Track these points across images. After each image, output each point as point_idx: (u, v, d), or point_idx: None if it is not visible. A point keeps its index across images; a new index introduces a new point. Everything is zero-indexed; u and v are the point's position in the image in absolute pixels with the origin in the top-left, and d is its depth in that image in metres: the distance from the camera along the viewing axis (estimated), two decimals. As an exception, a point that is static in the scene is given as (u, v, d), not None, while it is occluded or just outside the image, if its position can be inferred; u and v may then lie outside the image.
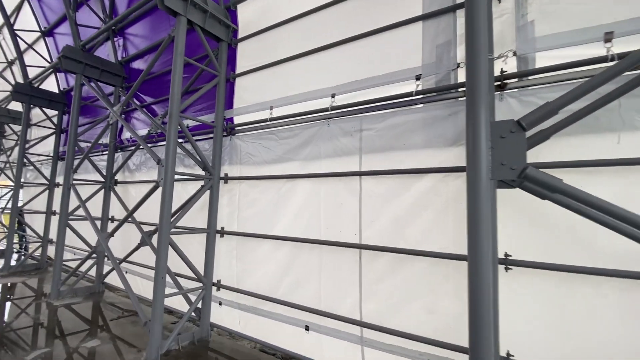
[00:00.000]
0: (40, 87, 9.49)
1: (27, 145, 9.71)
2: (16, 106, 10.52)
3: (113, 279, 7.25)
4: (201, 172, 5.31)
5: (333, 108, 4.15)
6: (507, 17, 3.15)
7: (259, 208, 4.87)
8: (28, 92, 8.96)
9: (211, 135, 5.42)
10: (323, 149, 4.23)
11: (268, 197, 4.76)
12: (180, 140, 5.81)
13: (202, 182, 5.34)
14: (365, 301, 3.79)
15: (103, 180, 7.38)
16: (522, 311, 2.91)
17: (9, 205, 9.90)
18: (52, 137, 9.65)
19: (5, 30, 9.85)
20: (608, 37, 2.72)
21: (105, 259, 7.37)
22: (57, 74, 9.54)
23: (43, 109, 9.37)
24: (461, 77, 3.34)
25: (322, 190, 4.21)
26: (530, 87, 3.02)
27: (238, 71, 5.31)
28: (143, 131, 6.93)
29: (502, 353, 2.89)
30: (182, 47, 4.56)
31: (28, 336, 5.16)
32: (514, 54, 3.06)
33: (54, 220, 9.06)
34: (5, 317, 6.06)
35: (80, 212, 6.80)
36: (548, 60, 2.97)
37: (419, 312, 3.44)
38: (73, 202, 6.89)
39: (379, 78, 3.86)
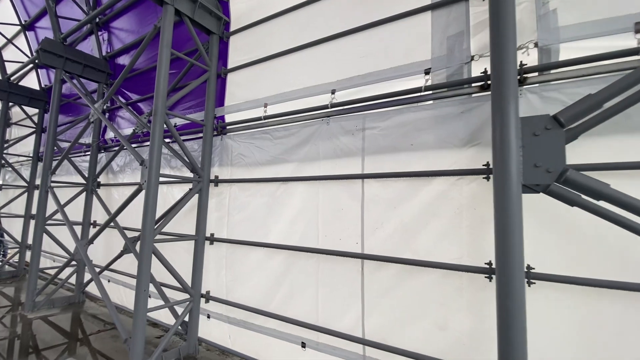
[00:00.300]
0: (20, 83, 8.98)
1: (5, 145, 9.18)
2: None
3: (95, 288, 6.77)
4: (189, 174, 4.93)
5: (333, 105, 3.82)
6: (527, 5, 2.87)
7: (250, 213, 4.51)
8: (6, 89, 8.46)
9: (200, 134, 5.06)
10: (322, 150, 3.90)
11: (261, 202, 4.40)
12: (167, 140, 5.44)
13: (190, 185, 4.96)
14: (368, 316, 3.45)
15: (85, 182, 6.92)
16: (547, 329, 2.61)
17: (-14, 209, 9.33)
18: (33, 137, 9.14)
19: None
20: (639, 28, 2.46)
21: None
22: (39, 70, 9.06)
23: (23, 107, 8.87)
24: (475, 70, 3.05)
25: (320, 194, 3.87)
26: (552, 82, 2.74)
27: (230, 66, 4.96)
28: (128, 131, 6.52)
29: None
30: (168, 38, 4.19)
31: (-4, 353, 4.70)
32: (535, 45, 2.77)
33: (33, 225, 8.53)
34: (-27, 331, 5.57)
35: (60, 216, 6.34)
36: (572, 52, 2.69)
37: (429, 329, 3.12)
38: (52, 206, 6.43)
39: (384, 72, 3.55)
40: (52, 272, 7.26)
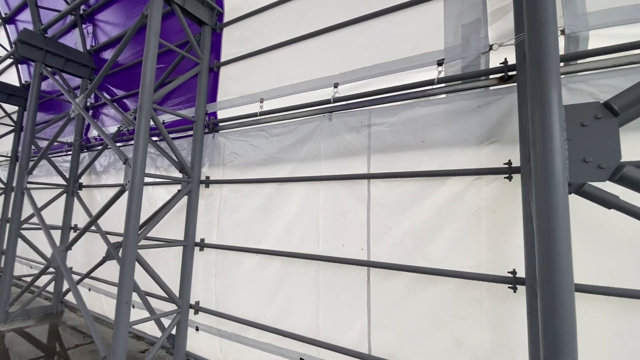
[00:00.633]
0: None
1: (-19, 145, 8.65)
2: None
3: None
4: (178, 175, 4.57)
5: (336, 100, 3.53)
6: (551, -11, 2.63)
7: (243, 216, 4.16)
8: (-17, 85, 7.96)
9: (190, 132, 4.71)
10: (323, 148, 3.60)
11: (255, 204, 4.06)
12: (154, 138, 5.08)
13: (178, 186, 4.60)
14: (375, 330, 3.14)
15: (65, 183, 6.47)
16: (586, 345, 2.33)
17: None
18: (12, 136, 8.62)
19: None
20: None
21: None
22: (19, 65, 8.57)
23: (1, 104, 8.35)
24: (494, 61, 2.80)
25: (321, 196, 3.56)
26: (580, 73, 2.50)
27: (223, 59, 4.63)
28: (114, 129, 6.11)
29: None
30: (156, 26, 3.86)
31: (-42, 372, 4.24)
32: (562, 32, 2.53)
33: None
34: (-64, 346, 5.08)
35: (37, 219, 5.88)
36: (601, 40, 2.46)
37: (443, 345, 2.82)
38: (29, 209, 5.97)
39: (391, 64, 3.28)
40: (29, 279, 6.77)
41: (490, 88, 2.83)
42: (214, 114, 4.60)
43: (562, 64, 2.53)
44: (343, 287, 3.34)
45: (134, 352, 4.73)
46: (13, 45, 7.34)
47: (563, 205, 1.60)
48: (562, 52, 2.54)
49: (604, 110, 1.63)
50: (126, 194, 3.73)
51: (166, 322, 4.38)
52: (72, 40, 7.02)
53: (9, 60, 8.15)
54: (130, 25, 5.72)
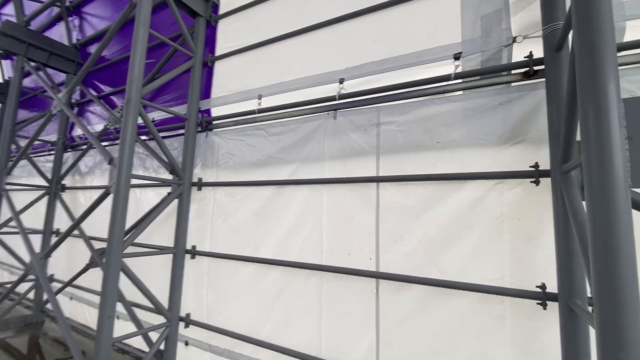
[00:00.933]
0: (-21, 75, 8.06)
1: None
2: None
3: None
4: (168, 176, 4.25)
5: (341, 96, 3.26)
6: (581, -24, 2.40)
7: (239, 222, 3.86)
8: (-39, 80, 7.53)
9: (182, 131, 4.39)
10: (327, 148, 3.32)
11: (252, 209, 3.76)
12: (143, 137, 4.75)
13: (168, 189, 4.28)
14: (384, 348, 2.86)
15: (47, 185, 6.08)
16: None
17: None
18: (-8, 134, 8.17)
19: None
20: None
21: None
22: (2, 61, 8.15)
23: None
24: (517, 55, 2.56)
25: (325, 201, 3.28)
26: (614, 68, 2.27)
27: (218, 53, 4.33)
28: (100, 127, 5.76)
29: None
30: (146, 15, 3.55)
31: None
32: (594, 22, 2.29)
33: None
34: None
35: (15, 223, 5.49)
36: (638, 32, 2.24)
37: (461, 366, 2.55)
38: (7, 212, 5.57)
39: (403, 58, 3.03)
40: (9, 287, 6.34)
41: (513, 84, 2.59)
42: (208, 111, 4.29)
43: (594, 58, 2.30)
44: (349, 300, 3.06)
45: (119, 368, 4.38)
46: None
47: (625, 215, 1.35)
48: (594, 44, 2.32)
49: (672, 104, 1.40)
50: (111, 197, 3.40)
51: (154, 335, 4.04)
52: (58, 34, 6.66)
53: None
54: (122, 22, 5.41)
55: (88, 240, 4.67)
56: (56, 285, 5.75)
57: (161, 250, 4.14)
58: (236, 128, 4.03)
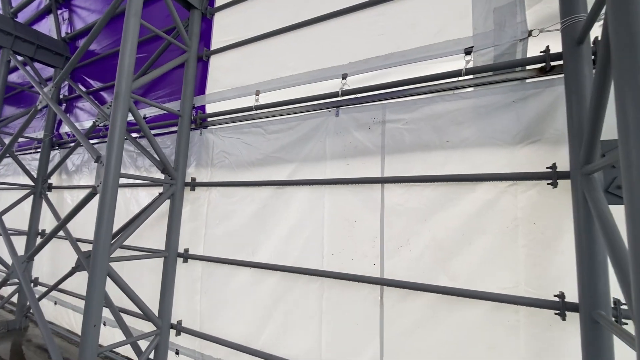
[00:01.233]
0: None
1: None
2: None
3: (43, 311, 5.63)
4: (160, 176, 4.04)
5: (344, 93, 3.10)
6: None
7: (235, 224, 3.67)
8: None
9: (175, 128, 4.19)
10: (329, 147, 3.16)
11: (249, 210, 3.58)
12: (134, 135, 4.55)
13: (160, 189, 4.07)
14: (388, 359, 2.69)
15: (33, 184, 5.81)
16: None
17: None
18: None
19: None
20: None
21: (32, 284, 5.75)
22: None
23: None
24: (533, 49, 2.42)
25: (326, 202, 3.11)
26: None
27: (214, 47, 4.15)
28: (89, 124, 5.52)
29: None
30: (137, 4, 3.35)
31: None
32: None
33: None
34: None
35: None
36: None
37: (472, 380, 2.39)
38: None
39: (410, 53, 2.87)
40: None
41: (528, 81, 2.45)
42: (202, 107, 4.10)
43: (615, 53, 2.17)
44: (351, 307, 2.89)
45: (105, 377, 4.15)
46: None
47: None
48: (616, 38, 2.19)
49: None
50: (98, 197, 3.19)
51: (143, 343, 3.82)
52: (47, 27, 6.42)
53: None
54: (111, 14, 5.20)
55: (75, 242, 4.44)
56: (41, 289, 5.50)
57: (152, 253, 3.93)
58: (232, 125, 3.85)
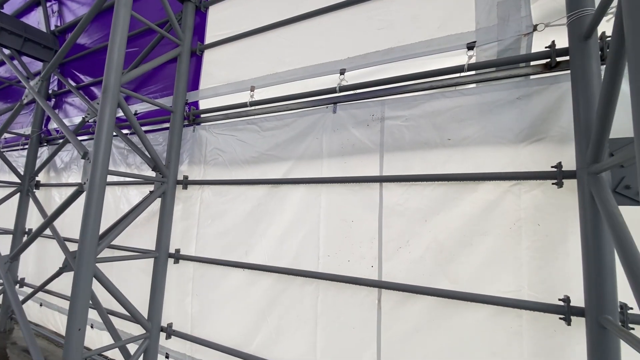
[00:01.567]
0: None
1: None
2: None
3: (28, 312, 5.46)
4: (151, 174, 3.91)
5: (342, 88, 3.01)
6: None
7: (228, 224, 3.55)
8: None
9: (167, 124, 4.06)
10: (326, 145, 3.06)
11: (242, 210, 3.47)
12: (125, 131, 4.41)
13: (151, 187, 3.94)
14: (386, 365, 2.60)
15: (20, 181, 5.64)
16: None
17: None
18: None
19: None
20: None
21: (17, 285, 5.58)
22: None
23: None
24: (538, 44, 2.34)
25: (323, 201, 3.01)
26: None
27: (208, 41, 4.03)
28: (78, 119, 5.36)
29: None
30: (128, -5, 3.23)
31: None
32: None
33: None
34: None
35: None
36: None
37: (473, 387, 2.31)
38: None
39: (410, 48, 2.79)
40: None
41: (532, 77, 2.37)
42: (195, 103, 3.98)
43: (623, 49, 2.10)
44: (347, 311, 2.79)
45: (92, 382, 4.00)
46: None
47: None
48: (623, 34, 2.12)
49: None
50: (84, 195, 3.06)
51: (131, 346, 3.69)
52: (36, 20, 6.24)
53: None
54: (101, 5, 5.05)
55: (62, 241, 4.29)
56: (27, 290, 5.33)
57: (142, 254, 3.80)
58: (226, 122, 3.73)
